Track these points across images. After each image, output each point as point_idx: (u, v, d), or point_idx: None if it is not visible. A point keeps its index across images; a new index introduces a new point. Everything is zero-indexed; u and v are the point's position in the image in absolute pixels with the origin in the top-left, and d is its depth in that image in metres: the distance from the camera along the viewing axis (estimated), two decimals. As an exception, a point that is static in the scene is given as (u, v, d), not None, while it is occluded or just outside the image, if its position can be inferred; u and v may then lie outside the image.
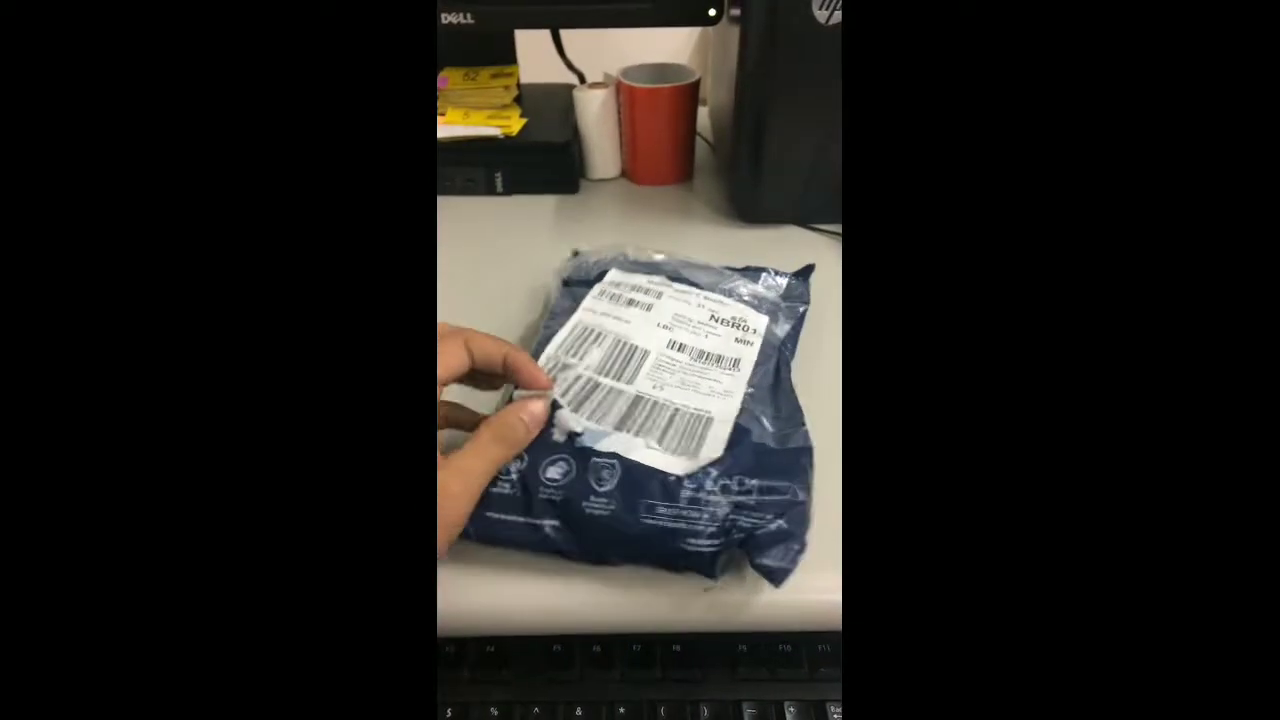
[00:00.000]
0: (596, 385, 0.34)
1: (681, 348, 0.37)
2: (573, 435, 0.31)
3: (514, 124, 0.57)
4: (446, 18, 0.53)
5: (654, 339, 0.37)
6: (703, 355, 0.37)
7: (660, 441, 0.31)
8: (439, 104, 0.59)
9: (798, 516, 0.28)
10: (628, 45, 0.63)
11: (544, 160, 0.57)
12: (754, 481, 0.29)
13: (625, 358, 0.36)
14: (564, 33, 0.60)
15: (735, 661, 0.30)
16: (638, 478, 0.29)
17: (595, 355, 0.36)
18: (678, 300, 0.40)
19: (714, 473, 0.29)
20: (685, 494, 0.28)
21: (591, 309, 0.39)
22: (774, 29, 0.44)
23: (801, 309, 0.42)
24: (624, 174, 0.61)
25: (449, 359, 0.29)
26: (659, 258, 0.44)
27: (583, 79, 0.62)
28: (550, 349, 0.36)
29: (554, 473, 0.29)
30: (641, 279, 0.41)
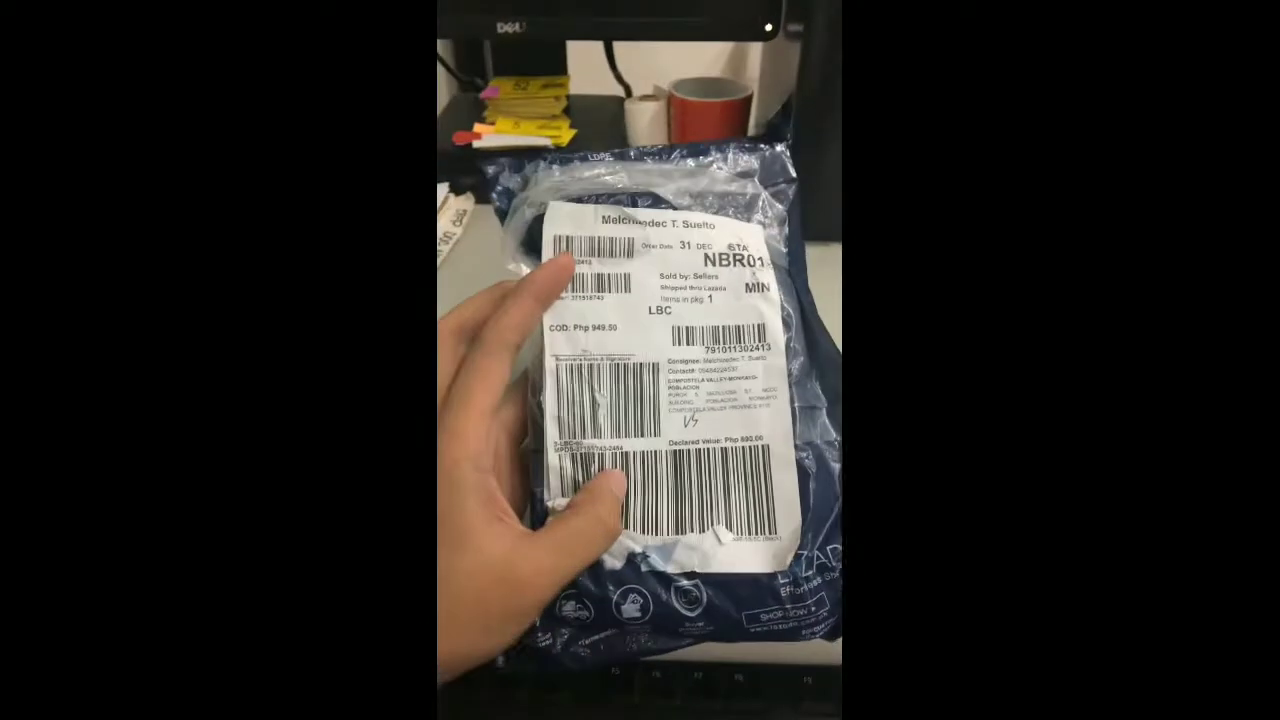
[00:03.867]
0: (627, 458, 0.27)
1: (690, 336, 0.28)
2: (633, 556, 0.25)
3: (564, 134, 0.57)
4: (501, 26, 0.53)
5: (654, 339, 0.28)
6: (718, 338, 0.28)
7: (729, 520, 0.26)
8: (490, 113, 0.59)
9: None
10: (663, 59, 0.62)
11: (592, 171, 0.57)
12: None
13: (636, 394, 0.27)
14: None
15: (800, 694, 0.29)
16: (727, 593, 0.25)
17: (603, 412, 0.27)
18: (656, 250, 0.29)
19: (804, 554, 0.26)
20: (785, 592, 0.25)
21: (558, 322, 0.27)
22: (838, 48, 0.44)
23: (789, 189, 0.32)
24: (670, 187, 0.61)
25: (518, 312, 0.26)
26: (596, 165, 0.30)
27: (629, 92, 0.62)
28: (551, 432, 0.27)
29: (632, 610, 0.25)
30: (592, 218, 0.29)
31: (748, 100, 0.56)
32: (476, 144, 0.56)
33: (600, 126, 0.59)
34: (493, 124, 0.57)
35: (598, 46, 0.59)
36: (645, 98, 0.58)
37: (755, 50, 0.69)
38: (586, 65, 0.61)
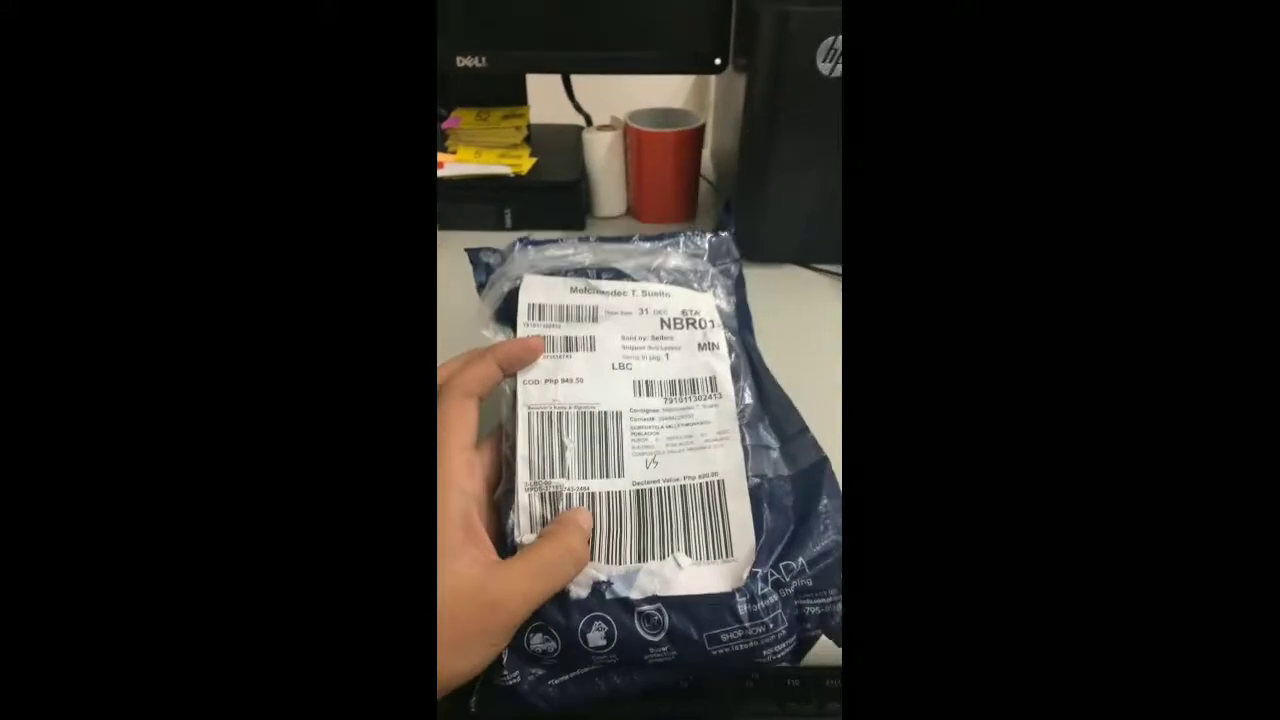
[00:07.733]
0: (594, 498, 0.29)
1: (649, 389, 0.32)
2: (598, 585, 0.27)
3: (524, 163, 0.58)
4: (461, 60, 0.55)
5: (617, 390, 0.32)
6: (675, 389, 0.32)
7: (689, 548, 0.28)
8: (451, 142, 0.61)
9: None
10: (627, 88, 0.65)
11: (552, 198, 0.59)
12: (801, 560, 0.27)
13: (601, 438, 0.30)
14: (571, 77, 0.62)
15: (744, 695, 0.31)
16: (688, 614, 0.26)
17: (571, 455, 0.30)
18: (618, 316, 0.34)
19: (759, 572, 0.27)
20: (742, 609, 0.26)
21: (531, 378, 0.31)
22: (778, 80, 0.46)
23: (734, 268, 0.38)
24: (629, 212, 0.63)
25: (478, 369, 0.29)
26: (566, 247, 0.37)
27: (589, 121, 0.64)
28: (522, 473, 0.29)
29: (597, 638, 0.26)
30: (561, 289, 0.34)
31: (700, 130, 0.58)
32: (440, 173, 0.57)
33: (559, 155, 0.61)
34: (454, 153, 0.59)
35: (557, 77, 0.62)
36: (603, 127, 0.60)
37: (714, 82, 0.72)
38: (547, 95, 0.64)
